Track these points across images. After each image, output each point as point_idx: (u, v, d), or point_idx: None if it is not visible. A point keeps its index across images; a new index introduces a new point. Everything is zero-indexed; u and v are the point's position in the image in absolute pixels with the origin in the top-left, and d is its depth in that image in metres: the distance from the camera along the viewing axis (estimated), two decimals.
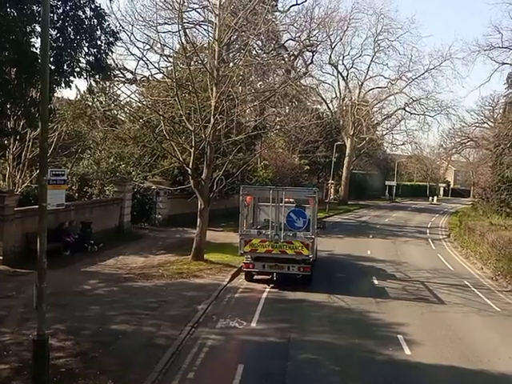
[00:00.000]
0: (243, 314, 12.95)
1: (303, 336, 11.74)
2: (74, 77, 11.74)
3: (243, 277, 17.18)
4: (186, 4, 22.81)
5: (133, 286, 15.04)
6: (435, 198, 75.60)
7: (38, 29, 10.86)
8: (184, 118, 18.81)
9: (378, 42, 53.42)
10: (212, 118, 18.35)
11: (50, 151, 16.84)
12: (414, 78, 54.08)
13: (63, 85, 11.62)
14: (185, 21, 24.22)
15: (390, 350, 11.09)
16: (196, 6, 27.03)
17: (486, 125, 58.05)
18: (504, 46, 33.87)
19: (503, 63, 35.73)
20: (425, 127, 59.01)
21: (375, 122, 59.06)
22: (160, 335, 11.08)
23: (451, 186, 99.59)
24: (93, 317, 11.89)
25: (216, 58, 18.81)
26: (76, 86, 26.43)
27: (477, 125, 58.21)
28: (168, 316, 12.35)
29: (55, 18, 11.27)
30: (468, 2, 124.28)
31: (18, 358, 9.31)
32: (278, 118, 33.46)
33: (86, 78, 12.32)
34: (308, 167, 47.53)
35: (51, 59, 10.42)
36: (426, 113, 56.34)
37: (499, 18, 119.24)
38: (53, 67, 10.79)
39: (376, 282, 18.15)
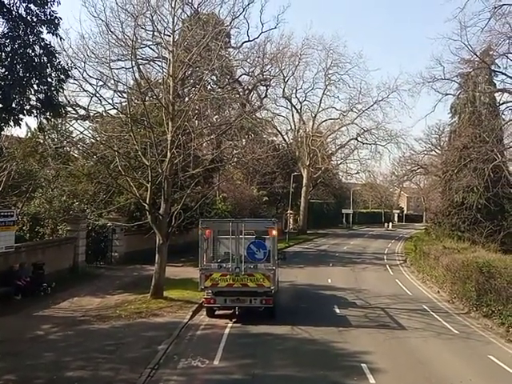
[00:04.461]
0: (205, 352, 12.60)
1: (267, 371, 11.52)
2: (24, 115, 11.45)
3: (204, 313, 16.82)
4: (139, 41, 22.99)
5: (89, 329, 14.39)
6: (390, 224, 77.66)
7: None
8: (140, 153, 18.62)
9: (329, 75, 55.53)
10: (168, 153, 18.27)
11: None
12: (364, 109, 56.33)
13: (12, 123, 11.30)
14: (138, 57, 24.33)
15: (355, 380, 11.05)
16: (149, 43, 27.26)
17: (433, 152, 60.68)
18: (446, 78, 35.75)
19: (446, 94, 37.67)
20: (377, 156, 60.91)
21: (330, 152, 60.63)
22: (119, 380, 10.58)
23: (405, 211, 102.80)
24: (46, 364, 11.24)
25: (171, 93, 18.89)
26: (26, 124, 25.69)
27: (425, 152, 60.75)
28: (127, 359, 11.84)
29: (3, 56, 11.05)
30: (411, 37, 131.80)
31: None
32: (235, 151, 33.75)
33: (36, 116, 12.04)
34: (266, 198, 47.93)
35: None
36: (377, 142, 58.50)
37: (440, 52, 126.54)
38: (1, 106, 10.52)
39: (338, 310, 18.20)
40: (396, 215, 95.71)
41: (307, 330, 15.01)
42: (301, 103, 56.51)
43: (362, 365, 11.91)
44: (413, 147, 61.15)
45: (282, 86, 51.85)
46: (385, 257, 37.57)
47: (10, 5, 11.27)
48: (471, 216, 33.55)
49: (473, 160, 30.88)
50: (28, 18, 11.37)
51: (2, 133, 13.34)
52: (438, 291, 22.54)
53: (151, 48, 28.61)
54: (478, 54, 31.62)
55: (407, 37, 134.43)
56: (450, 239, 31.00)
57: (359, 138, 58.73)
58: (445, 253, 24.35)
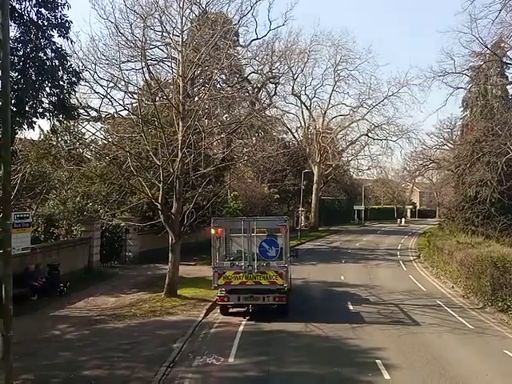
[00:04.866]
0: (220, 350, 12.68)
1: (282, 368, 11.57)
2: (37, 118, 11.65)
3: (218, 311, 16.91)
4: (148, 42, 23.10)
5: (104, 328, 14.55)
6: (403, 219, 77.09)
7: None
8: (151, 153, 18.76)
9: (338, 71, 55.32)
10: (179, 152, 18.37)
11: (13, 193, 16.40)
12: (374, 104, 56.03)
13: (26, 126, 11.51)
14: (148, 58, 24.52)
15: (370, 375, 11.04)
16: (159, 44, 27.34)
17: (445, 146, 60.25)
18: (457, 72, 35.51)
19: (457, 87, 37.41)
20: (388, 151, 60.60)
21: (340, 148, 60.38)
22: (134, 378, 10.69)
23: (417, 207, 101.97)
24: (63, 364, 11.39)
25: (181, 93, 18.99)
26: (39, 127, 26.03)
27: (437, 147, 60.37)
28: (142, 357, 11.96)
29: (16, 60, 11.24)
30: (420, 31, 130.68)
31: None
32: (245, 149, 33.84)
33: (49, 119, 12.23)
34: (278, 196, 47.88)
35: (13, 101, 10.34)
36: (388, 138, 58.19)
37: (450, 45, 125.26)
38: (14, 109, 10.69)
39: (351, 307, 18.18)
40: (408, 211, 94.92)
41: (320, 327, 15.03)
42: (310, 100, 56.48)
43: (377, 361, 11.89)
44: (424, 142, 60.84)
45: (291, 84, 51.89)
46: (398, 253, 37.36)
47: (21, 9, 11.46)
48: (485, 210, 33.22)
49: (485, 154, 30.62)
50: (39, 22, 11.57)
51: (16, 136, 13.49)
52: (453, 286, 22.38)
53: (160, 48, 28.76)
54: (489, 46, 31.32)
55: (417, 31, 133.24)
56: (463, 234, 30.75)
57: (370, 134, 58.45)
58: (459, 248, 24.17)
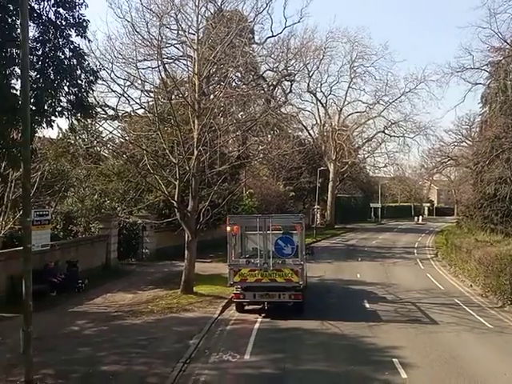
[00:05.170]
0: (236, 347, 12.74)
1: (298, 365, 11.57)
2: (56, 116, 11.79)
3: (234, 308, 16.97)
4: (164, 40, 23.22)
5: (122, 325, 14.72)
6: (420, 217, 76.26)
7: (18, 71, 10.95)
8: (167, 151, 18.88)
9: (354, 68, 54.91)
10: (195, 150, 18.45)
11: (33, 191, 16.66)
12: (391, 101, 55.49)
13: (45, 125, 11.66)
14: (164, 56, 24.55)
15: (386, 374, 10.97)
16: (174, 42, 27.42)
17: (464, 143, 59.32)
18: (476, 67, 35.07)
19: (476, 83, 36.96)
20: (405, 149, 59.96)
21: (356, 145, 59.93)
22: (152, 374, 10.81)
23: (435, 205, 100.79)
24: (82, 359, 11.56)
25: (196, 91, 19.06)
26: (58, 125, 26.34)
27: (455, 144, 59.49)
28: (159, 353, 12.08)
29: (35, 60, 11.39)
30: (438, 26, 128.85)
31: None
32: (260, 147, 33.77)
33: (67, 117, 12.38)
34: (293, 193, 47.79)
35: (32, 100, 10.49)
36: (406, 134, 57.58)
37: (469, 41, 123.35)
38: (34, 108, 10.84)
39: (367, 305, 18.08)
40: (426, 208, 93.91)
41: (337, 325, 14.97)
42: (326, 97, 56.13)
43: (394, 359, 11.81)
44: (442, 139, 60.01)
45: (307, 81, 51.64)
46: (415, 251, 37.01)
47: (40, 10, 11.60)
48: (504, 208, 32.60)
49: (505, 150, 30.09)
50: (57, 21, 11.69)
51: (35, 134, 13.69)
52: (471, 285, 22.08)
53: (176, 47, 28.83)
54: (508, 41, 30.77)
55: (435, 26, 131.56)
56: (482, 232, 30.31)
57: (387, 131, 57.90)
58: (477, 246, 23.84)
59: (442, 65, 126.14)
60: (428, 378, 10.89)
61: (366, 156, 63.54)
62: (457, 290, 21.51)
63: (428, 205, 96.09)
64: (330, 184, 56.27)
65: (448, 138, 60.81)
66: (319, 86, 54.58)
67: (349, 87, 55.48)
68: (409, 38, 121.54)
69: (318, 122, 57.40)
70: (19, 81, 9.93)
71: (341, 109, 57.09)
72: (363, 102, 57.28)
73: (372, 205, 74.19)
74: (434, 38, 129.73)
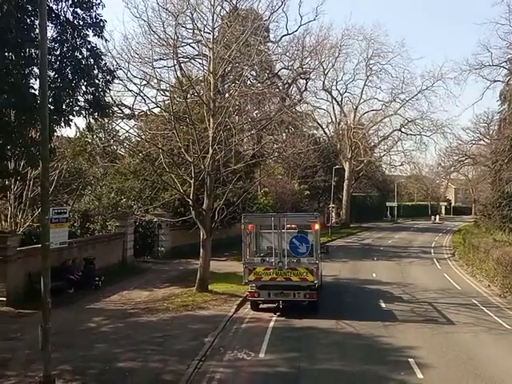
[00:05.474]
0: (251, 345, 12.76)
1: (313, 365, 11.54)
2: (74, 115, 11.95)
3: (249, 306, 17.00)
4: (180, 40, 23.34)
5: (138, 322, 14.86)
6: (437, 216, 75.43)
7: (37, 71, 11.13)
8: (183, 149, 18.98)
9: (370, 66, 54.45)
10: (210, 149, 18.52)
11: (51, 189, 16.92)
12: (407, 99, 54.92)
13: (63, 124, 11.83)
14: (180, 55, 24.74)
15: (402, 374, 10.89)
16: (190, 41, 27.56)
17: (482, 142, 58.55)
18: (494, 64, 34.53)
19: (495, 80, 36.38)
20: (422, 147, 59.49)
21: (372, 144, 59.50)
22: (167, 371, 10.89)
23: (452, 204, 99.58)
24: (99, 355, 11.70)
25: (212, 89, 19.12)
26: (75, 124, 26.75)
27: (473, 142, 58.75)
28: (175, 350, 12.16)
29: (53, 60, 11.55)
30: (456, 23, 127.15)
31: None
32: (275, 145, 33.77)
33: (85, 116, 12.54)
34: (308, 192, 47.63)
35: (50, 100, 10.64)
36: (422, 133, 56.99)
37: (487, 37, 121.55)
38: (52, 107, 10.99)
39: (383, 305, 17.95)
40: (443, 208, 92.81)
41: (352, 325, 14.90)
42: (341, 95, 55.82)
43: (410, 359, 11.71)
44: (460, 137, 59.37)
45: (322, 79, 51.39)
46: (432, 250, 36.61)
47: (58, 10, 11.77)
48: None
49: None
50: (75, 21, 11.85)
51: (54, 133, 13.89)
52: (489, 285, 21.77)
53: (192, 46, 28.99)
54: None
55: (452, 23, 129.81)
56: (500, 231, 29.90)
57: (403, 129, 57.34)
58: (495, 246, 23.52)
59: (460, 62, 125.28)
60: (445, 379, 10.77)
61: (381, 154, 63.05)
62: (474, 290, 21.22)
63: (445, 204, 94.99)
64: (346, 183, 55.96)
65: (466, 136, 60.25)
66: (335, 83, 54.40)
67: (364, 85, 55.16)
68: (426, 35, 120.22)
69: (334, 120, 57.14)
70: (38, 80, 10.10)
71: (356, 107, 56.77)
72: (379, 100, 56.95)
73: (388, 204, 73.59)
74: (452, 35, 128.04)
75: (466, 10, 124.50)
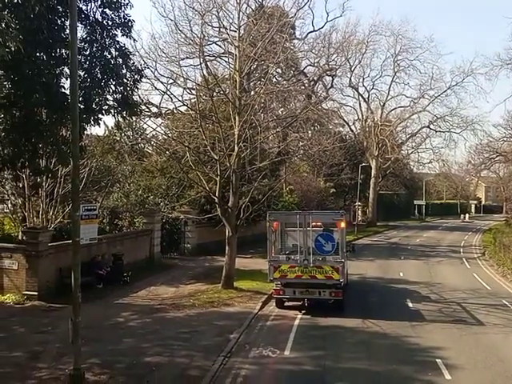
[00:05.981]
0: (276, 342, 12.79)
1: (338, 363, 11.49)
2: (103, 114, 12.18)
3: (274, 304, 17.02)
4: (206, 38, 23.44)
5: (165, 317, 15.07)
6: (467, 215, 73.77)
7: (67, 70, 11.39)
8: (209, 147, 19.11)
9: (398, 62, 53.57)
10: (236, 147, 18.59)
11: (81, 186, 17.31)
12: (436, 95, 53.85)
13: (92, 122, 12.08)
14: (206, 54, 24.88)
15: (430, 375, 10.74)
16: (216, 40, 27.68)
17: None
18: None
19: None
20: (451, 144, 58.10)
21: (400, 141, 58.55)
22: (193, 366, 11.01)
23: (482, 202, 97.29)
24: (126, 349, 11.92)
25: (237, 87, 19.18)
26: (104, 123, 27.23)
27: (505, 139, 56.92)
28: (200, 346, 12.29)
29: (83, 60, 11.80)
30: (486, 17, 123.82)
31: None
32: (301, 143, 33.58)
33: (113, 115, 12.76)
34: (334, 190, 47.26)
35: (80, 99, 10.87)
36: (452, 130, 55.77)
37: None
38: (82, 106, 11.24)
39: (411, 304, 17.70)
40: (473, 206, 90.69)
41: (378, 324, 14.75)
42: (368, 92, 55.08)
43: (437, 360, 11.55)
44: (491, 134, 57.52)
45: (349, 75, 50.79)
46: (461, 250, 35.85)
47: (87, 11, 12.01)
48: None
49: None
50: (104, 22, 12.08)
51: (84, 132, 14.19)
52: None
53: (218, 44, 29.11)
54: None
55: (483, 17, 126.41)
56: None
57: (432, 126, 56.25)
58: None
59: (491, 57, 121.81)
60: (474, 381, 10.58)
61: (409, 152, 61.91)
62: (505, 291, 20.72)
63: (475, 202, 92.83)
64: (372, 180, 55.28)
65: (497, 133, 58.39)
66: (361, 80, 53.67)
67: (392, 81, 54.30)
68: (456, 30, 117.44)
69: (360, 117, 56.44)
70: (68, 80, 10.34)
71: (384, 103, 55.92)
72: (407, 97, 56.03)
73: (416, 202, 72.36)
74: (483, 30, 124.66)
75: (496, 3, 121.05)
